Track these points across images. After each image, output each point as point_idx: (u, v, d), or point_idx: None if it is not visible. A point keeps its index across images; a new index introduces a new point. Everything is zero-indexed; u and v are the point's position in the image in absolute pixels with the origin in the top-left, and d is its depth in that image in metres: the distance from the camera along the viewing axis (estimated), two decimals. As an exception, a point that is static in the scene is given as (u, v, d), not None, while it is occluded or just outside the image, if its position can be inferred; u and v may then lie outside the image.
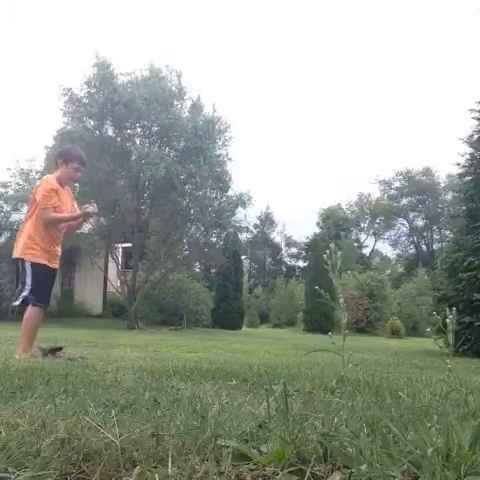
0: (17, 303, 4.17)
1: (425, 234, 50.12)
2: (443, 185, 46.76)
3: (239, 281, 25.75)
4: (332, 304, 1.55)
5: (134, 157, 17.21)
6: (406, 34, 68.64)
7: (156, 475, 0.91)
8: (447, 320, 1.09)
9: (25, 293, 4.10)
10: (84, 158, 4.51)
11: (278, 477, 0.93)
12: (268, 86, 73.03)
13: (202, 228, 18.74)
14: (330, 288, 1.51)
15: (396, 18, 66.72)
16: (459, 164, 10.92)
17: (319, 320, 25.29)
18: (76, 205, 4.64)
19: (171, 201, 17.01)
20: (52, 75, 55.03)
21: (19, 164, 20.14)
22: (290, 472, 0.94)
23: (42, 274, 4.17)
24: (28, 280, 4.11)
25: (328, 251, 1.44)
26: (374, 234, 51.75)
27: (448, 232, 21.63)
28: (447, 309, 1.13)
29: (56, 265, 4.39)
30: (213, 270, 26.84)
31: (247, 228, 26.49)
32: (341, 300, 1.44)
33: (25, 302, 4.13)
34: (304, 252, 49.01)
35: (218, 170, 17.58)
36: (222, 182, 17.87)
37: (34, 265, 4.14)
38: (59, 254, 4.46)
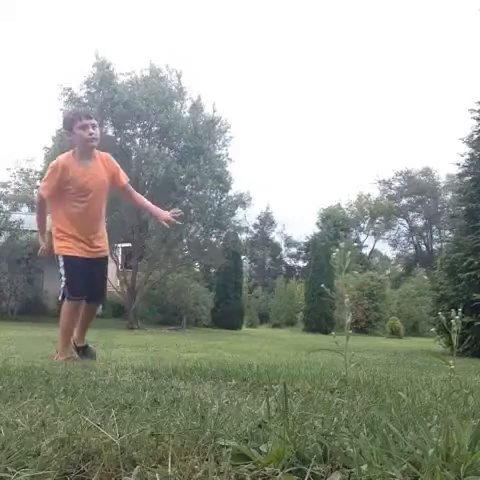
0: (60, 298, 3.81)
1: (425, 234, 50.13)
2: (443, 185, 46.76)
3: (239, 281, 25.77)
4: (335, 303, 1.56)
5: (134, 157, 17.22)
6: (406, 34, 68.69)
7: (156, 475, 0.91)
8: (452, 321, 1.09)
9: (61, 286, 3.74)
10: (85, 111, 3.94)
11: (278, 477, 0.92)
12: (268, 86, 73.03)
13: (202, 228, 18.75)
14: (330, 288, 1.51)
15: (396, 18, 66.75)
16: (459, 164, 10.93)
17: (319, 320, 25.30)
18: (123, 176, 3.96)
19: (171, 201, 17.01)
20: (52, 75, 55.09)
21: (19, 164, 20.19)
22: (290, 472, 0.94)
23: (73, 266, 3.72)
24: (62, 271, 3.73)
25: (338, 250, 1.43)
26: (374, 234, 51.76)
27: (448, 232, 21.63)
28: (452, 310, 1.13)
29: (93, 254, 3.82)
30: (213, 270, 26.85)
31: (247, 228, 26.54)
32: (347, 300, 1.44)
33: (64, 296, 3.77)
34: (304, 252, 49.03)
35: (218, 170, 17.60)
36: (222, 182, 17.89)
37: (65, 258, 3.73)
38: (98, 235, 3.86)
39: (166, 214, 3.98)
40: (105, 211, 3.96)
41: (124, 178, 3.98)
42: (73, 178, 3.65)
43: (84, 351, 3.94)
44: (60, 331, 3.77)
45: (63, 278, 3.71)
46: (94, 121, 3.73)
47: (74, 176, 3.65)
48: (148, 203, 4.18)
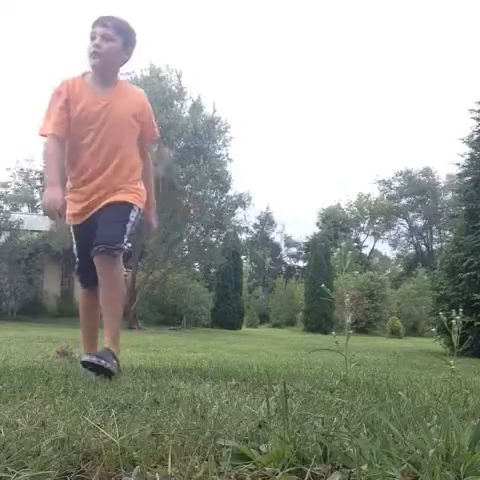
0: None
1: (425, 234, 50.15)
2: (443, 185, 46.80)
3: (239, 281, 25.78)
4: (335, 303, 1.57)
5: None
6: (406, 34, 68.70)
7: (156, 475, 0.91)
8: (453, 321, 1.09)
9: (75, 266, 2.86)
10: (103, 17, 2.69)
11: (278, 477, 0.92)
12: (268, 86, 73.06)
13: (202, 228, 18.75)
14: (330, 288, 1.52)
15: (396, 18, 66.75)
16: (459, 164, 10.93)
17: (319, 320, 25.33)
18: (150, 131, 2.87)
19: (171, 201, 17.01)
20: (52, 75, 55.11)
21: (19, 164, 20.20)
22: (290, 472, 0.94)
23: (78, 239, 2.82)
24: (73, 248, 2.87)
25: (338, 250, 1.44)
26: (374, 234, 51.78)
27: (448, 232, 21.66)
28: (453, 310, 1.13)
29: (95, 205, 2.67)
30: (213, 270, 26.85)
31: (247, 228, 26.58)
32: (347, 300, 1.44)
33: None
34: (304, 252, 49.06)
35: (218, 170, 17.61)
36: (222, 182, 17.89)
37: (72, 228, 2.84)
38: (108, 182, 2.67)
39: (151, 217, 2.99)
40: (137, 157, 2.81)
41: (151, 135, 2.90)
42: (81, 104, 2.67)
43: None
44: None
45: (75, 257, 2.87)
46: (107, 30, 2.65)
47: (82, 101, 2.67)
48: (150, 189, 2.94)
